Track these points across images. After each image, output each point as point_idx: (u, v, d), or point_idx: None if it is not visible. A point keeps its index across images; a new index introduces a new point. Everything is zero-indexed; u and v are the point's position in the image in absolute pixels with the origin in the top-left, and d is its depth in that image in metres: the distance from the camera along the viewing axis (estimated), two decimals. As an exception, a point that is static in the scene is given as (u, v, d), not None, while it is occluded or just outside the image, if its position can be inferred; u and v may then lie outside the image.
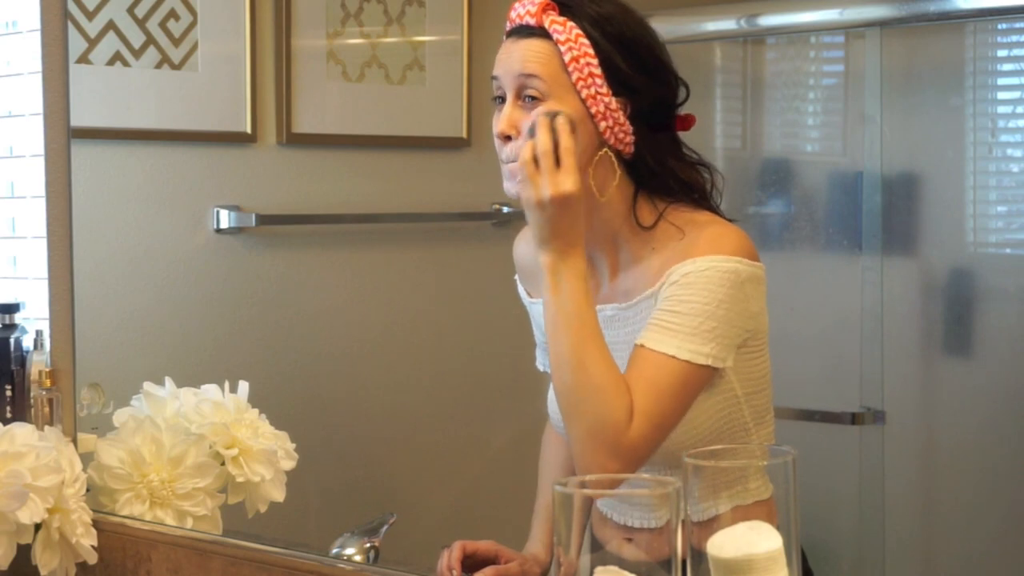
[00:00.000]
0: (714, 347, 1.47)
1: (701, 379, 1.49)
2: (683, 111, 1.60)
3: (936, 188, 2.46)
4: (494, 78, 1.57)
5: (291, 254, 2.31)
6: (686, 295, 1.48)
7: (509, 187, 1.55)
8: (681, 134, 1.60)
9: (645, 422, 1.44)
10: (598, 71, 1.51)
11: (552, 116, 1.48)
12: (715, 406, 1.53)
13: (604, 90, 1.51)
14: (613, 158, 1.54)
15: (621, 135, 1.53)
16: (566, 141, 1.46)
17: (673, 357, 1.46)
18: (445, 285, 2.47)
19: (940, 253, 2.46)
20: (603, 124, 1.52)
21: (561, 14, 1.52)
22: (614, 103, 1.52)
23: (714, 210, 1.59)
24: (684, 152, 1.60)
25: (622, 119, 1.53)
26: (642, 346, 1.48)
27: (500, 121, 1.54)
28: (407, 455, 2.40)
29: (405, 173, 2.45)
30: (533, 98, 1.52)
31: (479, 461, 2.48)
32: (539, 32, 1.52)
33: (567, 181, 1.45)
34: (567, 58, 1.51)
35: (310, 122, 2.30)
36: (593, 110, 1.52)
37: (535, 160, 1.46)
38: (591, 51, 1.51)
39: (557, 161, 1.45)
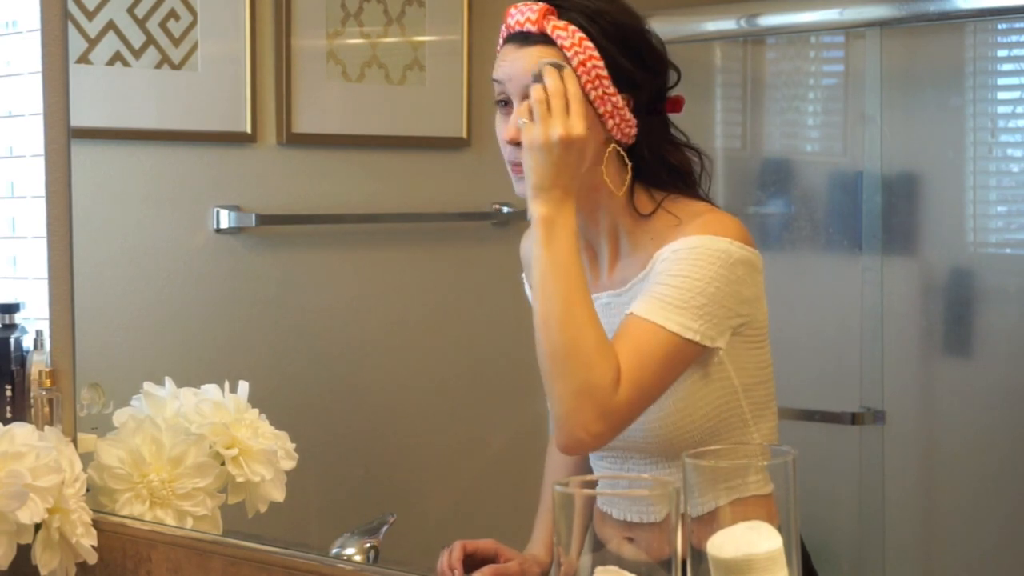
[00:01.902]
0: (703, 324, 1.47)
1: (689, 354, 1.49)
2: (675, 94, 1.60)
3: (936, 188, 2.46)
4: (497, 81, 1.56)
5: (291, 254, 2.31)
6: (676, 269, 1.48)
7: (520, 188, 1.54)
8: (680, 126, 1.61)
9: (631, 388, 1.44)
10: (604, 72, 1.51)
11: (559, 68, 1.48)
12: (711, 395, 1.53)
13: (611, 90, 1.52)
14: (622, 152, 1.55)
15: (627, 129, 1.54)
16: (574, 89, 1.48)
17: (662, 327, 1.46)
18: (445, 285, 2.47)
19: (940, 253, 2.46)
20: (611, 123, 1.53)
21: (560, 17, 1.52)
22: (620, 101, 1.53)
23: (711, 201, 1.60)
24: (673, 134, 1.60)
25: (628, 115, 1.54)
26: (632, 314, 1.48)
27: (509, 128, 1.54)
28: (407, 455, 2.40)
29: (405, 173, 2.45)
30: None
31: (479, 461, 2.48)
32: (541, 39, 1.52)
33: (578, 124, 1.46)
34: (574, 63, 1.50)
35: (310, 122, 2.30)
36: (601, 110, 1.52)
37: (547, 101, 1.47)
38: (596, 53, 1.51)
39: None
